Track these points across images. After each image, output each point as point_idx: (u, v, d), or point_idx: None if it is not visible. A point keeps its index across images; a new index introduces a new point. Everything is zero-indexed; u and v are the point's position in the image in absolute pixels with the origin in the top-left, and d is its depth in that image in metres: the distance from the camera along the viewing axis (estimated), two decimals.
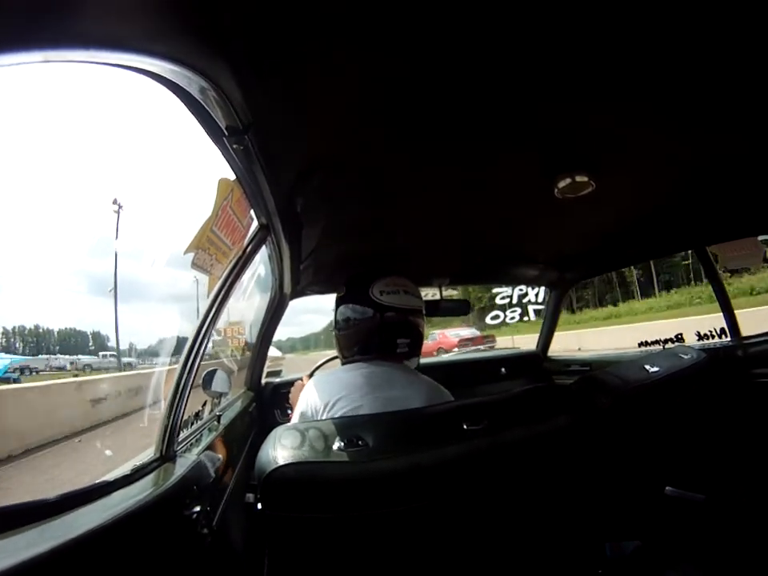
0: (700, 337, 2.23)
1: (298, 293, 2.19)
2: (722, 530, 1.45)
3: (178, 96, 0.70)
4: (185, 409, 1.00)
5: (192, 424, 1.22)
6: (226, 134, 0.80)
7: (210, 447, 1.14)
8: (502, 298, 3.13)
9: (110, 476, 0.77)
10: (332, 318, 1.50)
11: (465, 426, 0.92)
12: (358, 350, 1.37)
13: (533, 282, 2.95)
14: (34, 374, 8.41)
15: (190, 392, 1.02)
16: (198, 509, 0.86)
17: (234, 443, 1.48)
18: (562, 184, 1.34)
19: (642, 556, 1.38)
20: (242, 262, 1.20)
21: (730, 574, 1.30)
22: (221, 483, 1.10)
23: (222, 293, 1.12)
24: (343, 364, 1.43)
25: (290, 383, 2.38)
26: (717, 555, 1.35)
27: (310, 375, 1.94)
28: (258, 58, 0.71)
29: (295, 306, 2.37)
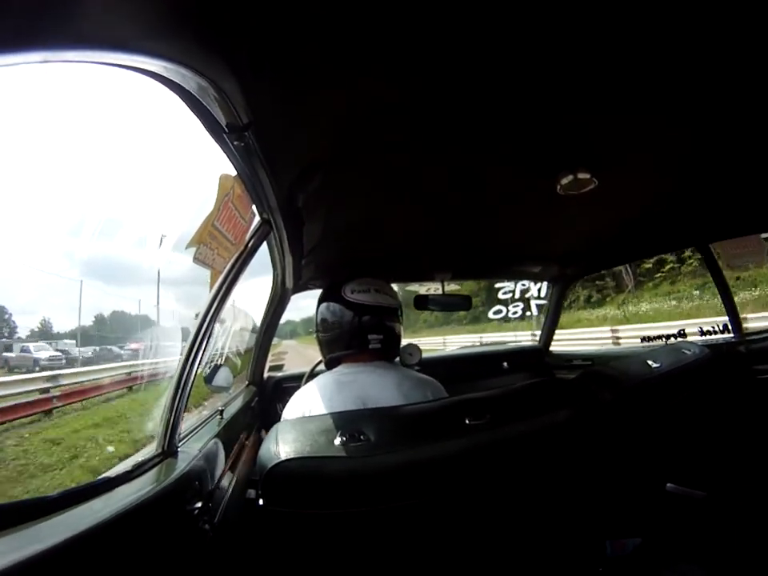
0: (703, 333, 2.23)
1: (299, 287, 2.19)
2: (723, 527, 1.45)
3: (177, 94, 0.70)
4: (186, 404, 1.01)
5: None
6: (227, 130, 0.80)
7: (212, 442, 1.15)
8: (504, 293, 3.14)
9: (112, 472, 0.78)
10: None
11: (467, 421, 0.92)
12: (335, 348, 1.42)
13: (535, 278, 2.95)
14: None
15: (191, 387, 1.03)
16: (199, 504, 0.87)
17: (237, 438, 1.48)
18: (564, 181, 1.34)
19: (643, 554, 1.38)
20: (244, 257, 1.20)
21: (730, 571, 1.30)
22: (222, 479, 1.11)
23: (224, 288, 1.12)
24: (326, 364, 1.50)
25: (293, 377, 2.39)
26: (718, 553, 1.35)
27: (308, 378, 1.95)
28: (258, 59, 0.71)
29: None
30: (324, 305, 1.46)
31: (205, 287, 1.12)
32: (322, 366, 2.13)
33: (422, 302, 2.46)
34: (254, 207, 1.18)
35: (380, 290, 1.41)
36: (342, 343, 1.39)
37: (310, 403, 1.26)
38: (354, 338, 1.37)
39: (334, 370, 1.38)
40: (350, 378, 1.30)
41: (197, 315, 1.09)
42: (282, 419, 1.27)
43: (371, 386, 1.27)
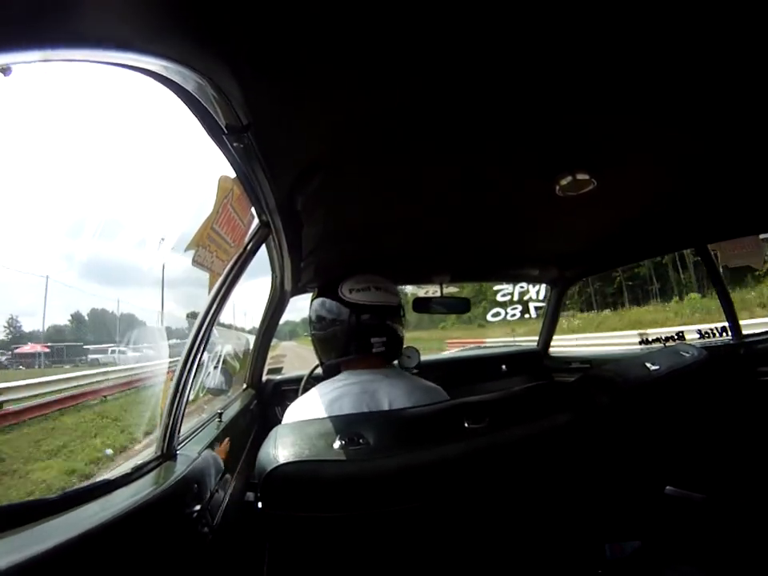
0: (701, 335, 2.23)
1: (298, 290, 2.19)
2: (722, 530, 1.45)
3: (177, 94, 0.70)
4: (185, 407, 1.00)
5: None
6: (226, 131, 0.79)
7: (211, 446, 1.14)
8: (503, 295, 3.14)
9: (111, 475, 0.77)
10: None
11: (466, 425, 0.92)
12: (334, 351, 1.33)
13: (534, 280, 2.95)
14: None
15: (190, 390, 1.02)
16: (198, 508, 0.86)
17: (235, 441, 1.48)
18: (563, 182, 1.34)
19: (642, 556, 1.38)
20: (243, 260, 1.20)
21: (729, 573, 1.30)
22: (221, 482, 1.10)
23: (223, 290, 1.12)
24: (324, 370, 1.40)
25: (291, 380, 2.39)
26: (717, 555, 1.35)
27: (307, 380, 1.87)
28: (257, 59, 0.71)
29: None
30: (319, 303, 1.36)
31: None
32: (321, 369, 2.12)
33: (421, 305, 2.46)
34: (252, 210, 1.18)
35: (380, 288, 1.31)
36: (340, 346, 1.30)
37: (321, 410, 1.15)
38: (354, 342, 1.27)
39: (337, 377, 1.27)
40: (359, 389, 1.20)
41: (188, 315, 1.09)
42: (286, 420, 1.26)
43: (383, 397, 1.19)
